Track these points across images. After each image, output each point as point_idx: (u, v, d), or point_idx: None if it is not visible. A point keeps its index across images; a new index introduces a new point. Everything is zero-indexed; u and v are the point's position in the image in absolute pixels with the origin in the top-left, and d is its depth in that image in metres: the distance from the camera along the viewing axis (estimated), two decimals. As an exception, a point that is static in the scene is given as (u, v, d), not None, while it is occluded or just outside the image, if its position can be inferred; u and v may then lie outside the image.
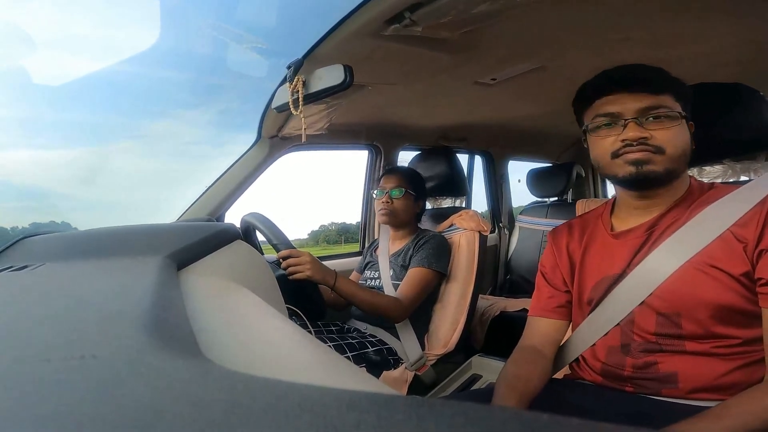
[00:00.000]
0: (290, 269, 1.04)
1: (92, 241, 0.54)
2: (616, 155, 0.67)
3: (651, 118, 0.66)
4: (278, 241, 1.08)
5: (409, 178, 1.41)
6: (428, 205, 1.78)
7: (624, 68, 0.70)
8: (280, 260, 1.08)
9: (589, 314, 0.75)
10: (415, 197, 1.39)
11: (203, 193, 1.38)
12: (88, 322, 0.26)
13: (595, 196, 2.74)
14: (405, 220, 1.40)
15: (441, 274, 1.32)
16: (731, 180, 0.93)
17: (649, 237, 0.70)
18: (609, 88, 0.69)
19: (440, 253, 1.32)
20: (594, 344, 0.74)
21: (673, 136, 0.66)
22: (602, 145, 0.69)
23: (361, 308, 1.19)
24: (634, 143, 0.65)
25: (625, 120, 0.66)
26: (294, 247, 1.08)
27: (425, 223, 1.57)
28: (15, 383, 0.18)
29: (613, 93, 0.69)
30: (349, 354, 1.16)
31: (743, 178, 0.93)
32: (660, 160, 0.65)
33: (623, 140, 0.66)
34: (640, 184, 0.68)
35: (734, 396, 0.58)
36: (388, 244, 1.45)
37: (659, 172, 0.65)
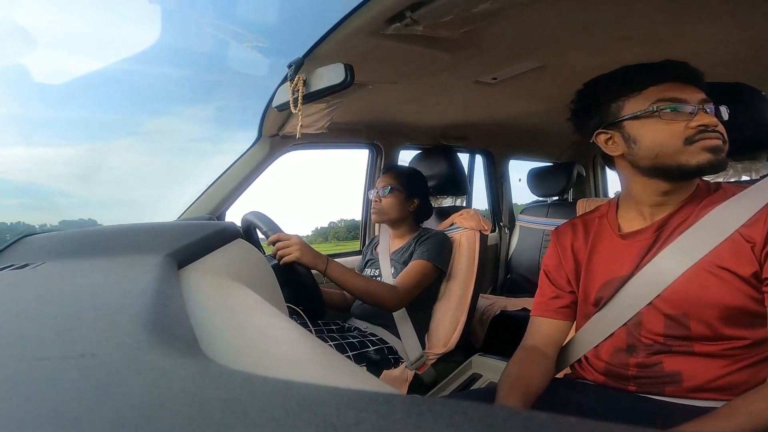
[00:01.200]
0: (279, 252, 1.03)
1: (93, 239, 0.54)
2: (690, 141, 0.64)
3: (714, 111, 0.66)
4: (270, 229, 1.08)
5: (400, 176, 1.41)
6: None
7: (685, 63, 0.69)
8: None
9: (594, 315, 0.75)
10: (406, 195, 1.38)
11: (204, 191, 1.38)
12: (88, 321, 0.26)
13: (596, 196, 2.74)
14: (395, 218, 1.39)
15: (440, 271, 1.31)
16: (732, 180, 0.93)
17: (658, 238, 0.69)
18: (665, 76, 0.68)
19: (441, 250, 1.32)
20: (598, 345, 0.74)
21: (725, 128, 0.66)
22: (670, 130, 0.65)
23: (355, 295, 1.17)
24: (710, 129, 0.64)
25: (694, 107, 0.65)
26: (283, 232, 1.08)
27: (427, 222, 1.57)
28: (15, 381, 0.18)
29: (674, 82, 0.67)
30: (350, 353, 1.16)
31: (744, 177, 0.93)
32: (724, 150, 0.65)
33: (698, 126, 0.64)
34: (711, 171, 0.66)
35: (742, 396, 0.58)
36: (389, 242, 1.45)
37: (725, 162, 0.66)
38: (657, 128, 0.66)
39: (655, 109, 0.66)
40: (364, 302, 1.20)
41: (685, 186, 0.69)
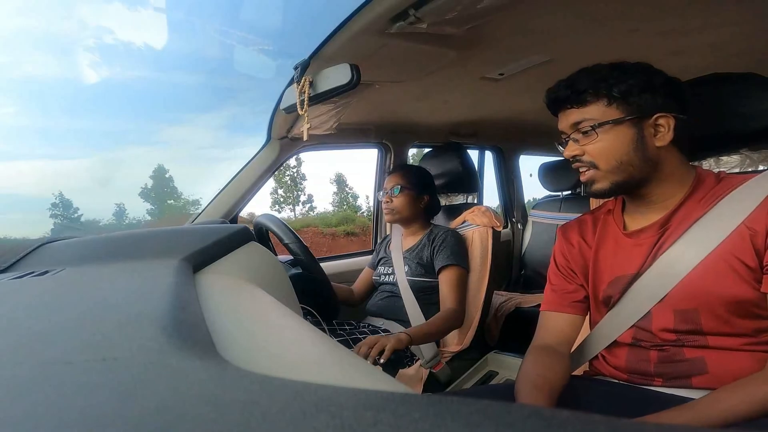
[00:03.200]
0: (373, 353, 1.00)
1: (110, 245, 0.55)
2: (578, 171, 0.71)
3: (583, 134, 0.67)
4: (289, 240, 1.09)
5: (408, 174, 1.41)
6: (440, 201, 1.77)
7: (556, 85, 0.71)
8: (294, 260, 1.09)
9: (607, 312, 0.74)
10: (416, 193, 1.39)
11: (216, 195, 1.40)
12: (108, 325, 0.26)
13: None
14: (408, 216, 1.40)
15: (467, 268, 1.35)
16: (749, 170, 0.91)
17: (663, 234, 0.69)
18: (551, 108, 0.73)
19: (462, 250, 1.35)
20: (613, 342, 0.73)
21: (601, 150, 0.66)
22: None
23: (441, 337, 1.26)
24: (572, 160, 0.70)
25: (566, 138, 0.70)
26: (304, 244, 1.09)
27: (438, 220, 1.56)
28: (38, 386, 0.18)
29: (557, 111, 0.72)
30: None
31: (761, 167, 0.90)
32: (600, 176, 0.68)
33: (566, 157, 0.70)
34: (601, 197, 0.71)
35: (727, 385, 0.59)
36: (401, 240, 1.45)
37: (605, 188, 0.68)
38: None
39: (557, 145, 0.74)
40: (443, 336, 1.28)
41: (662, 188, 0.69)
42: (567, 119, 0.69)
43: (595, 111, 0.66)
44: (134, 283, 0.38)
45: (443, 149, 1.84)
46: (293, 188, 24.46)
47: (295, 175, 24.54)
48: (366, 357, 0.98)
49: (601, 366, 0.76)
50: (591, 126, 0.65)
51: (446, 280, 1.29)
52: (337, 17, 0.87)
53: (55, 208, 24.38)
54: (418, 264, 1.34)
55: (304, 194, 24.99)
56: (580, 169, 0.70)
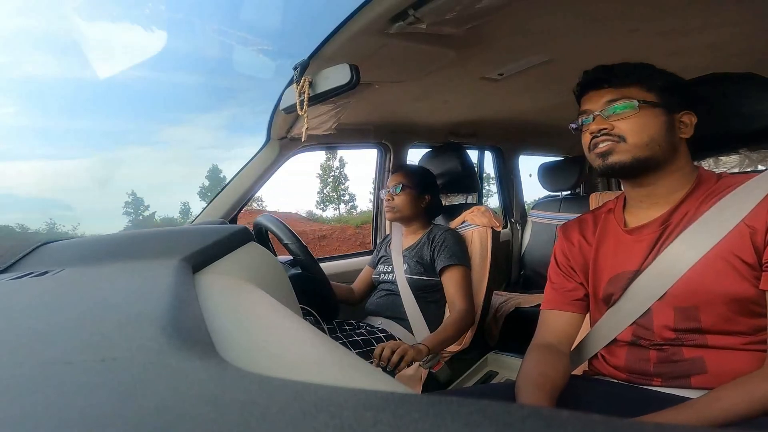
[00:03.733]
0: (394, 359, 1.00)
1: (110, 245, 0.55)
2: (590, 149, 0.72)
3: (614, 110, 0.69)
4: (288, 240, 1.09)
5: (410, 174, 1.42)
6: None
7: (594, 68, 0.73)
8: (293, 260, 1.09)
9: (607, 310, 0.74)
10: (417, 192, 1.40)
11: (216, 195, 1.40)
12: (108, 325, 0.26)
13: (608, 189, 2.70)
14: (409, 215, 1.40)
15: (469, 266, 1.35)
16: (748, 170, 0.91)
17: (664, 231, 0.69)
18: (583, 88, 0.74)
19: (462, 249, 1.35)
20: (613, 340, 0.73)
21: (634, 124, 0.68)
22: (584, 141, 0.74)
23: (456, 340, 1.25)
24: (598, 134, 0.69)
25: (594, 115, 0.71)
26: (304, 244, 1.09)
27: (438, 221, 1.57)
28: (38, 386, 0.18)
29: (587, 92, 0.73)
30: (354, 351, 1.16)
31: (760, 167, 0.91)
32: (624, 149, 0.68)
33: (591, 133, 0.71)
34: (611, 174, 0.71)
35: (726, 384, 0.59)
36: (401, 239, 1.46)
37: (625, 162, 0.68)
38: (582, 139, 0.75)
39: (576, 125, 0.75)
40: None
41: (668, 180, 0.70)
42: (601, 97, 0.71)
43: (635, 92, 0.69)
44: (134, 284, 0.38)
45: (443, 149, 1.84)
46: (336, 188, 25.95)
47: (338, 175, 26.10)
48: (387, 360, 0.99)
49: (600, 365, 0.76)
50: (636, 102, 0.68)
51: (451, 281, 1.29)
52: (337, 17, 0.86)
53: (128, 206, 26.79)
54: (418, 263, 1.34)
55: (347, 194, 26.34)
56: (601, 144, 0.69)
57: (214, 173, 28.82)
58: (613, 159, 0.68)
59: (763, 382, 0.56)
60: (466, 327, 1.25)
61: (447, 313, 1.38)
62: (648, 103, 0.68)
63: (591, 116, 0.71)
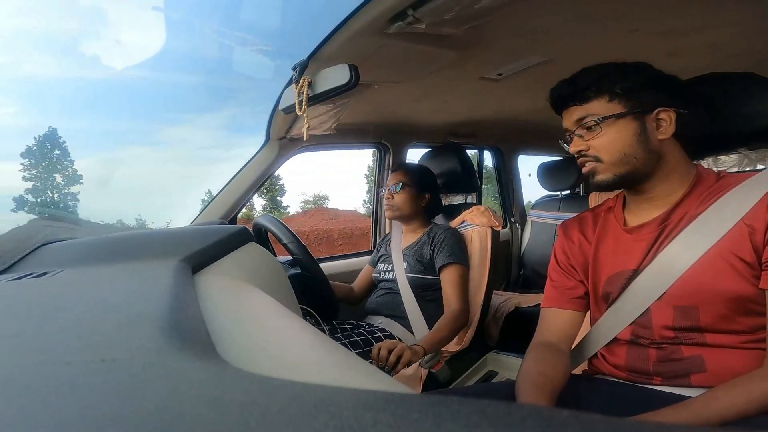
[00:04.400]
0: (391, 360, 1.00)
1: (109, 246, 0.55)
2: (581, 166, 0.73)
3: (585, 129, 0.69)
4: (288, 240, 1.09)
5: (410, 172, 1.43)
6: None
7: (558, 84, 0.73)
8: (293, 260, 1.09)
9: (607, 309, 0.74)
10: (417, 190, 1.40)
11: (215, 196, 1.40)
12: (107, 326, 0.26)
13: (608, 189, 2.70)
14: (409, 213, 1.41)
15: (467, 266, 1.35)
16: (747, 169, 0.91)
17: (663, 230, 0.69)
18: (555, 106, 0.75)
19: (462, 248, 1.35)
20: (612, 339, 0.73)
21: (604, 142, 0.68)
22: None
23: (451, 340, 1.25)
24: (578, 155, 0.71)
25: (570, 135, 0.71)
26: (303, 244, 1.09)
27: (438, 221, 1.57)
28: (37, 386, 0.18)
29: (560, 110, 0.74)
30: (353, 352, 1.16)
31: (759, 167, 0.91)
32: (603, 169, 0.69)
33: (571, 153, 0.72)
34: (604, 190, 0.72)
35: (725, 383, 0.59)
36: (401, 237, 1.46)
37: (608, 180, 0.69)
38: None
39: (561, 142, 0.76)
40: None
41: (663, 184, 0.70)
42: (571, 116, 0.71)
43: (597, 107, 0.68)
44: (133, 284, 0.38)
45: (442, 149, 1.84)
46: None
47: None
48: (385, 360, 0.99)
49: (600, 365, 0.76)
50: (595, 120, 0.67)
51: (448, 280, 1.29)
52: (336, 17, 0.86)
53: (204, 204, 27.68)
54: (417, 261, 1.35)
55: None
56: (584, 164, 0.71)
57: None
58: (597, 179, 0.70)
59: (762, 381, 0.56)
60: (460, 327, 1.25)
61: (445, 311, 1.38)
62: (611, 117, 0.67)
63: (570, 134, 0.72)
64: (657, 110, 0.67)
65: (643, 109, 0.67)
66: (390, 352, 0.99)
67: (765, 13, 0.96)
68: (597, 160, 0.69)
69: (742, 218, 0.62)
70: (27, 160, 23.89)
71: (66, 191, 24.59)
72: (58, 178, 24.37)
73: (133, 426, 0.14)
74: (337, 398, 0.15)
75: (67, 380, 0.19)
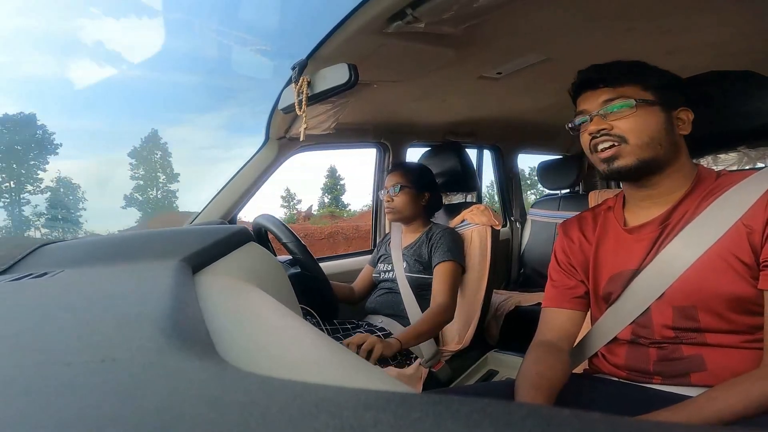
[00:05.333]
0: (361, 355, 0.98)
1: (109, 246, 0.55)
2: (591, 150, 0.71)
3: (611, 110, 0.68)
4: (288, 240, 1.09)
5: (408, 173, 1.41)
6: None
7: (588, 68, 0.73)
8: (293, 260, 1.09)
9: (607, 309, 0.74)
10: (416, 191, 1.39)
11: (215, 196, 1.40)
12: (107, 326, 0.26)
13: (607, 187, 2.70)
14: (410, 215, 1.40)
15: (462, 265, 1.34)
16: (747, 167, 0.91)
17: (663, 230, 0.69)
18: (578, 88, 0.74)
19: (458, 246, 1.34)
20: (613, 339, 0.73)
21: (634, 124, 0.67)
22: (583, 141, 0.73)
23: (432, 336, 1.22)
24: (598, 134, 0.69)
25: (591, 115, 0.70)
26: (303, 244, 1.09)
27: (438, 220, 1.57)
28: (37, 387, 0.18)
29: (583, 93, 0.73)
30: (354, 351, 1.16)
31: (759, 165, 0.91)
32: (627, 152, 0.67)
33: (590, 133, 0.70)
34: (616, 178, 0.71)
35: (723, 383, 0.59)
36: (401, 237, 1.46)
37: (630, 166, 0.67)
38: (580, 139, 0.74)
39: (573, 125, 0.74)
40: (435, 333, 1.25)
41: (669, 179, 0.70)
42: (597, 97, 0.70)
43: (631, 91, 0.68)
44: (133, 284, 0.38)
45: (442, 148, 1.84)
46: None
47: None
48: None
49: (600, 364, 0.76)
50: (632, 102, 0.67)
51: (439, 275, 1.28)
52: (335, 17, 0.86)
53: (283, 201, 29.20)
54: (416, 261, 1.35)
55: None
56: (602, 145, 0.69)
57: (332, 173, 30.27)
58: (618, 164, 0.68)
59: (759, 381, 0.56)
60: (444, 323, 1.22)
61: None
62: (645, 101, 0.67)
63: (588, 117, 0.71)
64: (680, 109, 0.70)
65: (670, 104, 0.69)
66: (360, 347, 0.96)
67: (764, 13, 0.96)
68: (622, 140, 0.67)
69: (740, 218, 0.62)
70: (134, 160, 26.87)
71: (167, 188, 27.30)
72: (161, 177, 27.13)
73: (133, 426, 0.14)
74: (338, 398, 0.15)
75: (67, 380, 0.19)
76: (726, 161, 0.94)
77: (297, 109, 0.92)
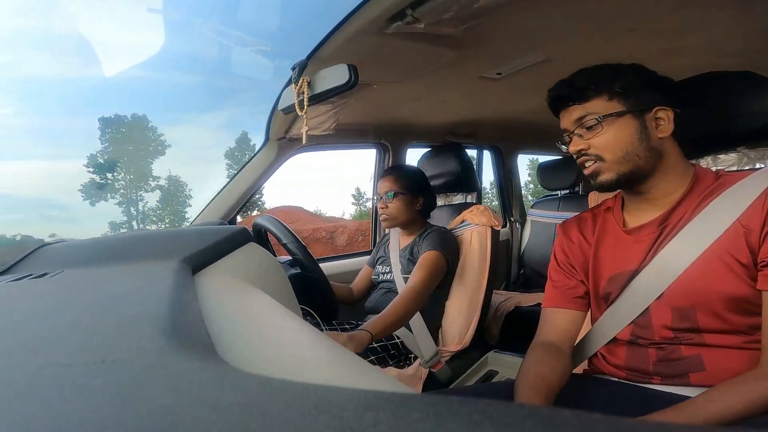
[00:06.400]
0: None
1: (109, 247, 0.55)
2: (581, 167, 0.72)
3: (585, 128, 0.69)
4: (288, 240, 1.09)
5: (401, 178, 1.40)
6: (439, 202, 1.77)
7: (556, 84, 0.72)
8: (293, 260, 1.09)
9: (606, 309, 0.74)
10: (410, 195, 1.38)
11: (215, 196, 1.40)
12: (107, 327, 0.26)
13: (608, 188, 2.70)
14: (405, 220, 1.40)
15: (447, 259, 1.30)
16: (747, 168, 0.91)
17: (662, 231, 0.69)
18: (553, 105, 0.74)
19: (444, 239, 1.32)
20: (612, 339, 0.73)
21: (606, 141, 0.67)
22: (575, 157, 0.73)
23: (403, 324, 1.16)
24: (579, 155, 0.70)
25: (570, 135, 0.71)
26: (303, 244, 1.09)
27: (438, 220, 1.57)
28: (37, 388, 0.18)
29: (560, 110, 0.73)
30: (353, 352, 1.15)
31: (759, 165, 0.91)
32: (606, 168, 0.68)
33: (573, 153, 0.71)
34: (605, 191, 0.72)
35: (722, 383, 0.59)
36: (399, 239, 1.46)
37: (611, 180, 0.69)
38: None
39: (563, 144, 0.74)
40: (409, 319, 1.20)
41: (662, 183, 0.70)
42: (570, 116, 0.70)
43: (597, 105, 0.68)
44: (133, 285, 0.38)
45: (442, 149, 1.84)
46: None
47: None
48: None
49: (600, 364, 0.76)
50: (596, 119, 0.67)
51: (419, 263, 1.25)
52: (335, 18, 0.86)
53: (354, 198, 30.20)
54: (410, 261, 1.35)
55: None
56: (585, 164, 0.70)
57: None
58: (600, 179, 0.69)
59: (758, 381, 0.56)
60: (414, 308, 1.14)
61: (446, 310, 1.38)
62: (612, 115, 0.67)
63: (570, 135, 0.71)
64: (655, 109, 0.67)
65: (641, 107, 0.67)
66: None
67: (763, 13, 0.96)
68: (599, 158, 0.68)
69: (738, 218, 0.62)
70: (229, 161, 29.22)
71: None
72: None
73: (133, 427, 0.14)
74: (338, 398, 0.15)
75: (66, 381, 0.19)
76: (725, 162, 0.94)
77: (297, 110, 0.92)
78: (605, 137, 0.67)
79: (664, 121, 0.68)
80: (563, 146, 0.74)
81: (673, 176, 0.70)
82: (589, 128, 0.68)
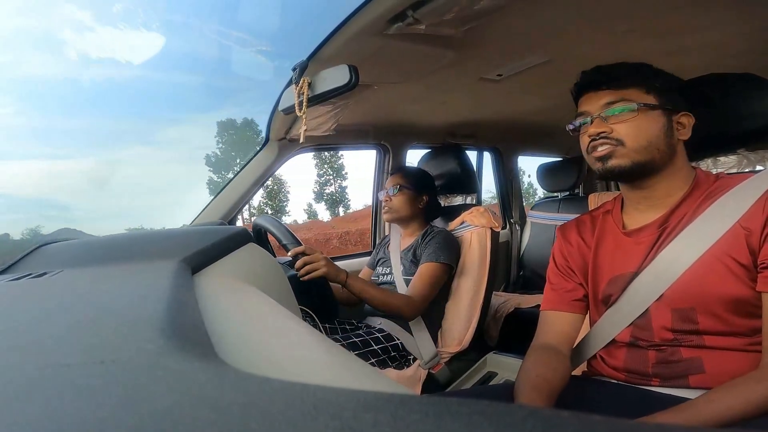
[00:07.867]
0: (305, 268, 1.04)
1: (108, 247, 0.55)
2: (588, 152, 0.72)
3: (613, 113, 0.69)
4: (287, 240, 1.09)
5: (408, 175, 1.43)
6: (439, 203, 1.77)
7: (592, 69, 0.73)
8: (293, 261, 1.09)
9: (606, 311, 0.74)
10: (415, 192, 1.40)
11: (215, 196, 1.40)
12: (106, 327, 0.26)
13: (607, 189, 2.70)
14: (406, 216, 1.41)
15: (449, 267, 1.31)
16: (747, 170, 0.91)
17: (662, 233, 0.70)
18: (581, 89, 0.74)
19: (447, 246, 1.32)
20: (611, 341, 0.73)
21: (633, 128, 0.67)
22: (582, 143, 0.73)
23: (373, 305, 1.19)
24: (597, 137, 0.69)
25: (592, 117, 0.70)
26: (301, 244, 1.09)
27: (437, 221, 1.57)
28: (36, 388, 0.18)
29: (585, 94, 0.73)
30: (353, 352, 1.16)
31: (759, 167, 0.91)
32: (623, 153, 0.68)
33: (589, 136, 0.70)
34: (610, 177, 0.72)
35: (722, 385, 0.59)
36: (399, 240, 1.46)
37: (624, 166, 0.68)
38: (579, 140, 0.75)
39: (574, 126, 0.75)
40: (384, 312, 1.22)
41: (666, 182, 0.70)
42: (599, 100, 0.70)
43: (633, 94, 0.68)
44: (132, 285, 0.38)
45: (442, 150, 1.84)
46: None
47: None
48: (300, 267, 1.03)
49: (599, 366, 0.76)
50: (634, 106, 0.67)
51: (419, 274, 1.26)
52: (336, 18, 0.87)
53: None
54: (412, 263, 1.35)
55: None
56: (600, 146, 0.69)
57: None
58: (612, 163, 0.68)
59: (758, 383, 0.56)
60: (399, 311, 1.19)
61: (446, 311, 1.38)
62: (647, 105, 0.67)
63: (589, 118, 0.71)
64: (682, 113, 0.69)
65: (672, 107, 0.69)
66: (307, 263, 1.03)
67: (764, 13, 0.96)
68: (619, 143, 0.68)
69: (738, 220, 0.63)
70: (317, 160, 33.44)
71: (340, 185, 34.42)
72: (333, 175, 34.02)
73: (133, 428, 0.14)
74: (337, 399, 0.15)
75: (66, 382, 0.19)
76: (726, 164, 0.94)
77: (297, 111, 0.92)
78: (633, 124, 0.67)
79: (685, 126, 0.70)
80: (570, 125, 0.75)
81: (677, 178, 0.70)
82: (618, 113, 0.68)
